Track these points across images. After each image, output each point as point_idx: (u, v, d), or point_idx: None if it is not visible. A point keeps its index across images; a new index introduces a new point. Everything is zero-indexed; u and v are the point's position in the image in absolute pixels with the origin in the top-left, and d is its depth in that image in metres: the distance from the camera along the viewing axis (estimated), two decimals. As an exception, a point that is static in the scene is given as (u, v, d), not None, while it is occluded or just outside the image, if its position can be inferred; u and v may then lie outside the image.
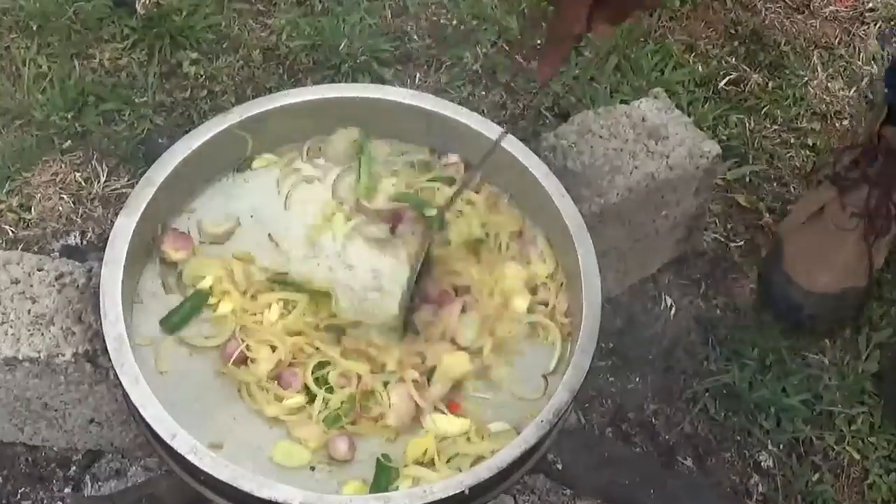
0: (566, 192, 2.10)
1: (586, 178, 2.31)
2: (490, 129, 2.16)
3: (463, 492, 1.77)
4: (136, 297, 2.06)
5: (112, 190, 2.78)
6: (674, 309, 2.74)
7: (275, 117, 2.18)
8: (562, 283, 2.13)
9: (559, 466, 2.26)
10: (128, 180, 2.80)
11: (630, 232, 2.49)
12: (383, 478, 1.88)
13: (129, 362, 1.84)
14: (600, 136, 2.40)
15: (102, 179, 2.80)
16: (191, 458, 1.76)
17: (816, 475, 2.51)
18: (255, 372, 1.98)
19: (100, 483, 2.43)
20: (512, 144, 2.14)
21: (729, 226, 2.90)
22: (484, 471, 1.80)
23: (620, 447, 2.42)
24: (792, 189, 2.99)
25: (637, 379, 2.63)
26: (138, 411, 1.81)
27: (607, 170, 2.34)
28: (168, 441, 1.77)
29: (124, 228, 1.98)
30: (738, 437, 2.55)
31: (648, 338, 2.67)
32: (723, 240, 2.87)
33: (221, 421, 1.99)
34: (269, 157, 2.26)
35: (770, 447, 2.54)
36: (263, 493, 1.75)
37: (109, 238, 1.98)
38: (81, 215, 2.74)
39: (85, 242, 2.71)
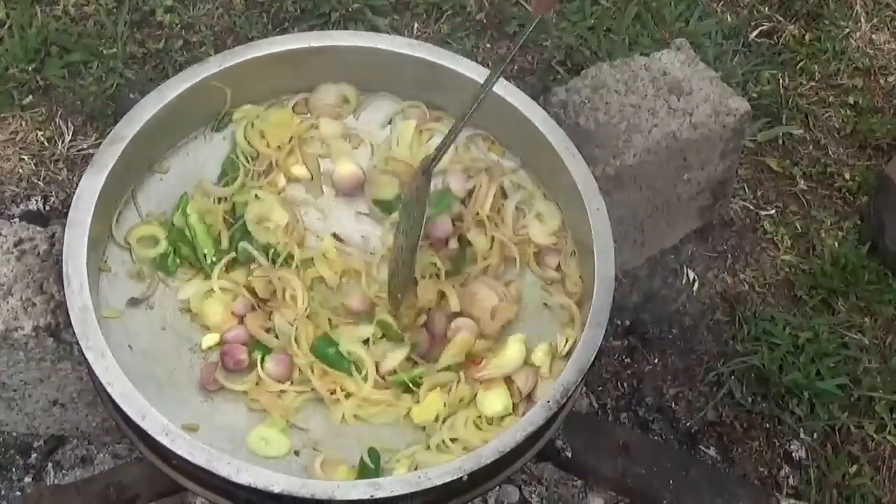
0: (576, 150, 2.09)
1: (600, 137, 2.32)
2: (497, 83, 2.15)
3: (461, 478, 1.78)
4: (104, 264, 2.06)
5: (78, 151, 2.78)
6: (697, 283, 2.75)
7: (257, 68, 2.18)
8: (573, 252, 2.13)
9: (568, 454, 2.27)
10: (95, 140, 2.80)
11: (649, 198, 2.49)
12: (369, 476, 1.89)
13: (96, 335, 1.85)
14: (616, 92, 2.40)
15: (67, 139, 2.80)
16: (162, 440, 1.78)
17: (854, 467, 2.52)
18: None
19: (64, 471, 2.45)
20: (516, 98, 2.13)
21: (759, 192, 2.90)
22: (484, 455, 1.80)
23: (637, 434, 2.43)
24: (830, 153, 2.98)
25: (656, 360, 2.64)
26: (105, 389, 1.82)
27: (623, 128, 2.34)
28: (138, 422, 1.78)
29: (90, 188, 1.99)
30: (767, 425, 2.55)
31: (669, 315, 2.68)
32: (752, 208, 2.88)
33: (197, 402, 2.01)
34: (250, 107, 2.25)
35: (802, 436, 2.55)
36: (242, 479, 1.76)
37: (74, 198, 1.99)
38: (44, 178, 2.74)
39: (48, 208, 2.71)
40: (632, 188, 2.37)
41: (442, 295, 2.11)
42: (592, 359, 1.89)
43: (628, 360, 2.61)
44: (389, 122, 2.29)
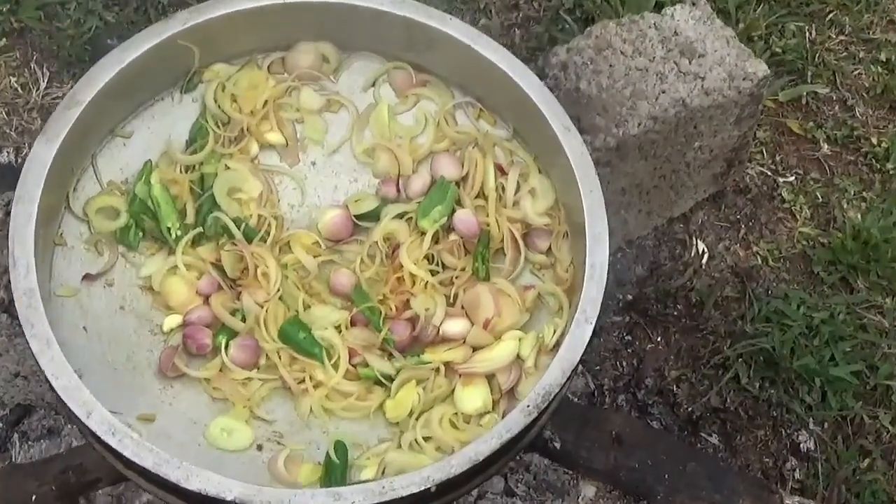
0: (571, 124, 1.93)
1: (602, 103, 2.17)
2: (485, 46, 2.00)
3: (429, 489, 1.66)
4: (59, 237, 1.95)
5: (54, 99, 2.68)
6: (706, 256, 2.62)
7: (227, 26, 2.05)
8: (565, 234, 1.99)
9: (557, 445, 2.15)
10: (73, 87, 2.65)
11: (655, 167, 2.35)
12: (333, 476, 1.78)
13: (41, 322, 1.73)
14: (622, 53, 2.25)
15: (42, 86, 2.69)
16: (109, 440, 1.67)
17: (866, 461, 2.40)
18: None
19: (30, 442, 2.36)
20: (508, 63, 1.99)
21: (778, 157, 2.74)
22: (455, 464, 1.69)
23: (632, 423, 2.30)
24: (857, 114, 2.80)
25: (658, 338, 2.52)
26: (48, 381, 1.69)
27: (628, 94, 2.19)
28: (83, 419, 1.67)
29: (40, 159, 1.87)
30: (775, 413, 2.43)
31: (675, 290, 2.55)
32: (770, 174, 2.73)
33: (155, 389, 1.92)
34: (221, 67, 2.10)
35: (812, 426, 2.43)
36: (192, 484, 1.66)
37: (23, 170, 1.86)
38: (16, 128, 2.64)
39: (20, 160, 2.58)
40: (636, 158, 2.23)
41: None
42: (578, 359, 1.76)
43: (629, 337, 2.49)
44: (372, 85, 2.13)
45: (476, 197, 2.06)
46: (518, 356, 1.95)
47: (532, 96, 2.00)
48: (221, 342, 1.93)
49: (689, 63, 2.24)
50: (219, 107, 2.08)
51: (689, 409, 2.40)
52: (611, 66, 2.23)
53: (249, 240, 2.00)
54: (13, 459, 2.29)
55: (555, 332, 1.94)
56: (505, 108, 2.09)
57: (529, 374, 1.91)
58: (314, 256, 2.03)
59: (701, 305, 2.48)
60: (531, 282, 2.02)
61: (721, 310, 2.50)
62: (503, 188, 2.05)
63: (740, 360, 2.42)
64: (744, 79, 2.28)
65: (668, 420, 2.40)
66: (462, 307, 1.99)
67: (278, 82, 2.12)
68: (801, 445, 2.39)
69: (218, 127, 2.08)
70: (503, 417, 1.87)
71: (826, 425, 2.39)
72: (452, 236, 2.02)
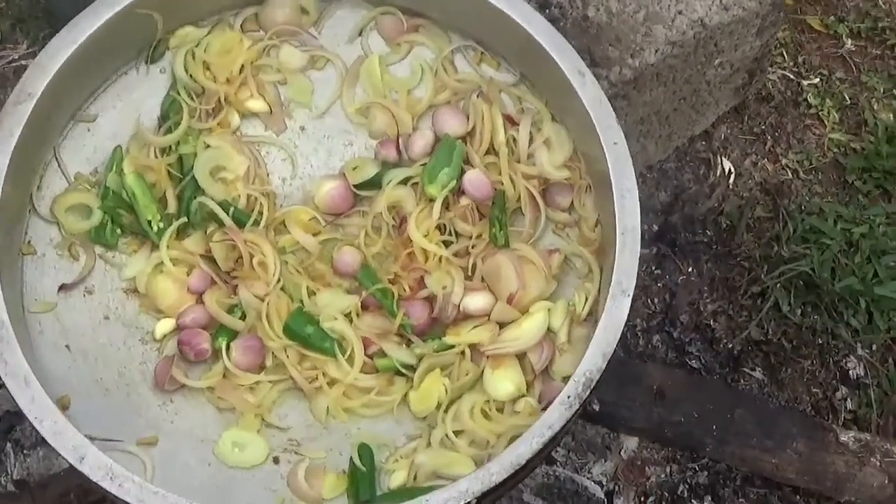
0: (585, 67, 1.69)
1: (614, 31, 1.93)
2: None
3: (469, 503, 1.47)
4: (27, 245, 1.73)
5: (8, 63, 2.38)
6: (733, 174, 2.38)
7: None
8: (587, 187, 1.76)
9: (596, 407, 1.96)
10: (28, 48, 2.42)
11: (674, 91, 2.12)
12: (361, 486, 1.58)
13: (14, 355, 1.53)
14: (631, -28, 1.98)
15: (-7, 50, 2.40)
16: (107, 485, 1.47)
17: (921, 383, 2.20)
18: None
19: (25, 451, 2.17)
20: (507, 1, 1.73)
21: (800, 58, 2.51)
22: (495, 472, 1.51)
23: (673, 374, 2.10)
24: (880, 3, 2.55)
25: (690, 268, 2.31)
26: (32, 423, 1.49)
27: (642, 18, 1.95)
28: (76, 465, 1.47)
29: (-5, 163, 1.62)
30: (820, 340, 2.24)
31: (703, 214, 2.33)
32: (793, 77, 2.49)
33: (154, 407, 1.74)
34: (189, 30, 1.85)
35: (860, 350, 2.25)
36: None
37: (-25, 177, 1.63)
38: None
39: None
40: (654, 86, 2.00)
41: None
42: (618, 338, 1.53)
43: (658, 270, 2.28)
44: (359, 35, 1.88)
45: (486, 153, 1.82)
46: (549, 329, 1.72)
47: (538, 38, 1.76)
48: (222, 345, 1.73)
49: (706, -24, 1.98)
50: (190, 76, 1.84)
51: (730, 344, 2.19)
52: (620, -14, 1.97)
53: (241, 225, 1.78)
54: (8, 473, 2.09)
55: (586, 299, 1.75)
56: (509, 51, 1.87)
57: (564, 350, 1.71)
58: (314, 234, 1.79)
59: (732, 229, 2.27)
60: (554, 243, 1.81)
61: (754, 232, 2.28)
62: (514, 141, 1.83)
63: (779, 286, 2.20)
64: (766, -14, 2.01)
65: (707, 358, 2.20)
66: (482, 279, 1.76)
67: (254, 42, 1.87)
68: (851, 372, 2.21)
69: (192, 99, 1.85)
70: (539, 401, 1.68)
71: (875, 348, 2.21)
72: (464, 200, 1.80)
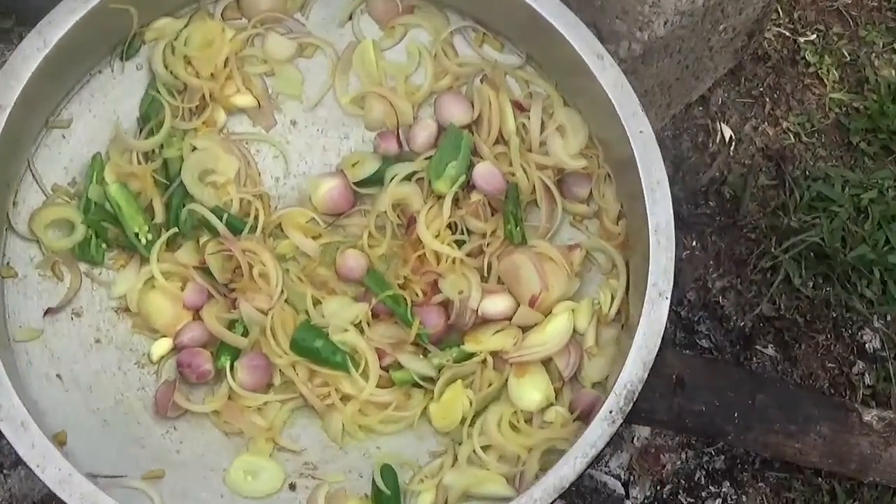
0: (603, 50, 1.59)
1: (620, 3, 1.83)
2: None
3: (511, 535, 1.39)
4: (6, 268, 1.62)
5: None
6: (734, 140, 2.28)
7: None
8: (607, 176, 1.65)
9: (614, 401, 1.86)
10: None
11: (679, 62, 2.02)
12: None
13: (7, 397, 1.39)
14: (635, -64, 1.87)
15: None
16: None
17: (940, 353, 2.15)
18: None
19: (5, 471, 2.04)
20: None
21: (796, 14, 2.42)
22: (538, 498, 1.44)
23: (690, 361, 2.02)
24: (875, -48, 2.46)
25: (694, 242, 2.22)
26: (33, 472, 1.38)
27: (649, -13, 1.82)
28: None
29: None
30: (834, 313, 2.18)
31: (704, 185, 2.24)
32: (789, 34, 2.39)
33: (157, 436, 1.63)
34: (166, 22, 1.71)
35: (875, 322, 2.19)
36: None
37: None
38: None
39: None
40: (661, 58, 1.89)
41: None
42: (659, 344, 1.44)
43: (661, 246, 2.15)
44: (349, 19, 1.75)
45: (495, 143, 1.70)
46: (574, 331, 1.62)
47: (547, 17, 1.64)
48: (225, 364, 1.63)
49: (713, -62, 1.87)
50: (171, 73, 1.70)
51: (741, 322, 2.11)
52: (623, -46, 1.86)
53: (235, 232, 1.65)
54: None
55: (612, 297, 1.66)
56: (512, 30, 1.76)
57: (592, 354, 1.63)
58: (313, 238, 1.67)
59: (736, 200, 2.19)
60: (573, 237, 1.71)
61: (759, 201, 2.20)
62: (525, 128, 1.71)
63: (789, 258, 2.11)
64: (773, -52, 1.91)
65: (717, 337, 2.13)
66: (499, 279, 1.66)
67: (237, 31, 1.75)
68: (867, 345, 2.15)
69: (173, 97, 1.71)
70: (570, 410, 1.59)
71: (890, 319, 2.15)
72: (474, 195, 1.69)
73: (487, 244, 1.70)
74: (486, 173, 1.70)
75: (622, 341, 1.61)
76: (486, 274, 1.69)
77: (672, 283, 1.53)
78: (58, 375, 1.62)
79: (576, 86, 1.70)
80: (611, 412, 1.46)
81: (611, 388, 1.51)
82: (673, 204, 1.99)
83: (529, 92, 1.76)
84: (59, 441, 1.54)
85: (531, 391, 1.63)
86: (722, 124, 2.30)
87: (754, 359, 2.15)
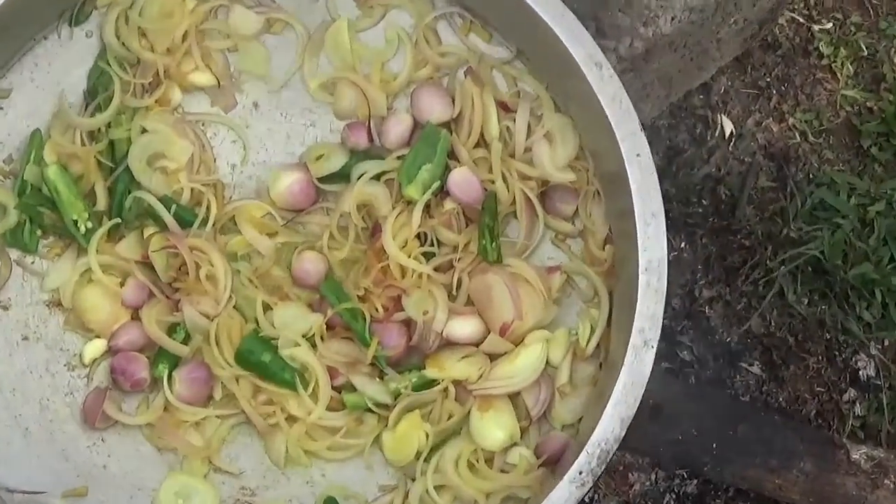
0: (602, 56, 1.45)
1: (625, -5, 1.67)
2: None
3: None
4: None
5: None
6: (734, 136, 2.14)
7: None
8: (595, 193, 1.52)
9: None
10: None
11: (682, 56, 1.87)
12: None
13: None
14: (645, -80, 1.73)
15: None
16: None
17: (940, 389, 2.05)
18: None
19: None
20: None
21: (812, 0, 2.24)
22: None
23: (670, 384, 1.91)
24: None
25: (682, 244, 2.10)
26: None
27: (657, -22, 1.68)
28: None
29: None
30: (828, 335, 2.07)
31: (698, 182, 2.11)
32: (803, 21, 2.24)
33: (82, 448, 1.55)
34: (118, -18, 1.59)
35: (872, 349, 2.08)
36: None
37: None
38: None
39: None
40: (664, 55, 1.74)
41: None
42: (640, 399, 1.33)
43: (647, 245, 2.03)
44: (324, -8, 1.61)
45: (475, 146, 1.57)
46: (547, 363, 1.50)
47: (543, 16, 1.50)
48: (163, 373, 1.51)
49: (732, -74, 1.73)
50: (123, 45, 1.55)
51: (727, 336, 2.00)
52: (632, -62, 1.71)
53: (184, 225, 1.52)
54: None
55: (592, 330, 1.53)
56: (502, 21, 1.61)
57: (565, 392, 1.53)
58: (269, 235, 1.54)
59: (732, 201, 2.07)
60: (554, 257, 1.59)
61: (756, 204, 2.08)
62: (509, 132, 1.58)
63: (784, 269, 1.99)
64: (796, -61, 1.76)
65: (700, 350, 2.03)
66: (468, 299, 1.53)
67: (199, 2, 1.58)
68: (861, 372, 2.06)
69: (125, 71, 1.56)
70: (536, 453, 1.48)
71: (888, 345, 2.00)
72: (448, 204, 1.57)
73: (458, 259, 1.57)
74: (462, 181, 1.57)
75: (600, 382, 1.50)
76: (454, 291, 1.56)
77: (660, 330, 1.40)
78: (-19, 377, 1.49)
79: (569, 89, 1.57)
80: (580, 473, 1.36)
81: (584, 437, 1.40)
82: (663, 200, 1.86)
83: (517, 91, 1.63)
84: (-27, 451, 1.43)
85: (494, 429, 1.52)
86: (723, 116, 2.16)
87: (738, 377, 2.05)
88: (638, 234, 1.45)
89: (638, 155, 1.48)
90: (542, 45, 1.57)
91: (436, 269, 1.58)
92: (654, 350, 1.41)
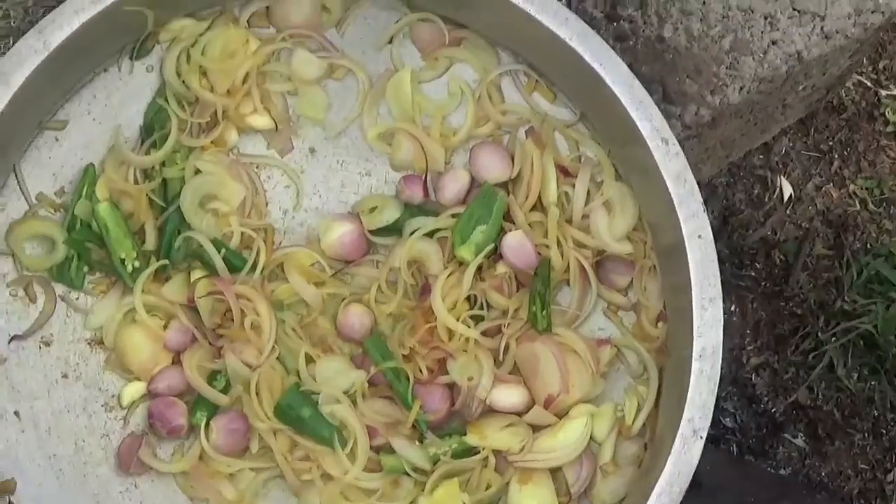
0: (669, 132, 1.41)
1: (693, 60, 1.65)
2: (545, 8, 1.45)
3: None
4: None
5: None
6: (793, 200, 2.10)
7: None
8: (652, 267, 1.49)
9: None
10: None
11: (748, 121, 1.84)
12: None
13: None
14: (720, -15, 1.69)
15: None
16: None
17: None
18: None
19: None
20: (569, 28, 1.48)
21: (881, 64, 2.24)
22: None
23: (712, 455, 1.86)
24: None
25: (733, 307, 2.06)
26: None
27: (728, 45, 1.67)
28: None
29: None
30: (876, 412, 2.04)
31: (753, 245, 2.07)
32: (870, 85, 2.19)
33: (115, 493, 1.55)
34: (185, 24, 1.54)
35: (923, 428, 2.02)
36: None
37: None
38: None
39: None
40: (730, 122, 1.70)
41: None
42: (685, 490, 1.29)
43: (696, 307, 1.99)
44: (390, 42, 1.58)
45: (531, 209, 1.53)
46: (592, 439, 1.47)
47: (612, 85, 1.49)
48: (200, 421, 1.49)
49: (808, -2, 1.69)
50: (183, 83, 1.53)
51: (772, 406, 1.96)
52: (704, 3, 1.70)
53: (233, 270, 1.50)
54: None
55: (639, 407, 1.49)
56: (568, 83, 1.58)
57: (607, 471, 1.50)
58: (316, 284, 1.52)
59: (786, 266, 2.02)
60: (605, 328, 1.55)
61: (810, 272, 2.04)
62: (568, 198, 1.55)
63: (836, 342, 1.96)
64: (872, 11, 1.73)
65: (744, 417, 1.98)
66: (514, 364, 1.51)
67: (262, 43, 1.57)
68: (909, 453, 1.98)
69: (182, 109, 1.53)
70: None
71: (937, 426, 1.96)
72: (500, 267, 1.53)
73: (507, 324, 1.54)
74: (516, 245, 1.54)
75: (644, 463, 1.47)
76: (500, 357, 1.53)
77: (710, 420, 1.37)
78: (15, 412, 1.50)
79: (631, 158, 1.54)
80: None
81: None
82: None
83: (579, 155, 1.60)
84: (6, 489, 1.44)
85: (533, 503, 1.48)
86: (782, 178, 2.12)
87: (781, 448, 2.01)
88: (694, 319, 1.42)
89: (699, 236, 1.44)
90: (608, 112, 1.54)
91: (483, 333, 1.55)
92: (704, 440, 1.38)
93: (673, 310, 1.52)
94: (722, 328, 1.42)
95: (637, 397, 1.53)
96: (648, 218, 1.56)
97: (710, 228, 1.45)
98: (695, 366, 1.40)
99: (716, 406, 1.95)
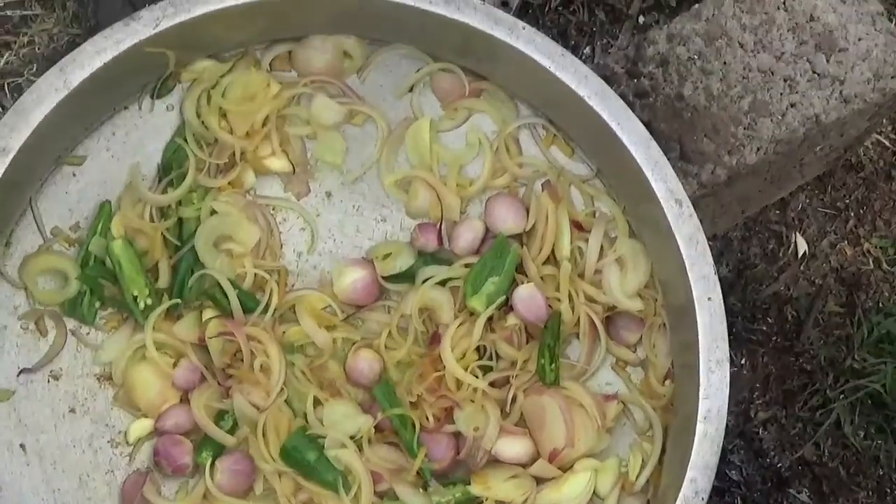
0: (683, 193, 1.42)
1: (712, 119, 1.65)
2: (567, 67, 1.46)
3: None
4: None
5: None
6: (807, 255, 2.10)
7: (212, 23, 1.48)
8: (661, 325, 1.49)
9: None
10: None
11: (764, 179, 1.84)
12: None
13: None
14: (740, 45, 1.71)
15: None
16: None
17: None
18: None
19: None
20: (588, 86, 1.50)
21: (901, 123, 2.21)
22: None
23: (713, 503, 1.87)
24: None
25: (743, 360, 2.06)
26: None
27: (747, 106, 1.67)
28: None
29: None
30: (881, 471, 2.03)
31: (766, 300, 2.07)
32: (889, 145, 2.19)
33: None
34: (207, 65, 1.55)
35: (928, 491, 2.01)
36: None
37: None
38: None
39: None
40: (746, 181, 1.71)
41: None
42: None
43: (706, 359, 1.99)
44: (410, 91, 1.58)
45: (544, 262, 1.53)
46: (595, 494, 1.47)
47: (628, 144, 1.47)
48: (206, 461, 1.48)
49: (827, 61, 1.70)
50: (202, 123, 1.53)
51: (778, 460, 1.96)
52: (725, 63, 1.69)
53: (245, 311, 1.49)
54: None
55: (643, 464, 1.49)
56: (585, 139, 1.56)
57: (609, 527, 1.46)
58: (327, 328, 1.52)
59: (798, 322, 2.02)
60: (612, 383, 1.55)
61: (822, 329, 2.04)
62: (581, 253, 1.54)
63: (844, 399, 1.95)
64: (892, 77, 1.73)
65: (749, 471, 1.97)
66: (521, 416, 1.51)
67: (283, 87, 1.57)
68: (912, 512, 1.97)
69: (201, 149, 1.54)
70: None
71: (943, 488, 1.96)
72: (511, 319, 1.54)
73: (516, 376, 1.54)
74: (528, 298, 1.55)
75: (645, 524, 1.47)
76: (507, 408, 1.53)
77: (713, 481, 1.37)
78: (21, 445, 1.50)
79: (645, 216, 1.55)
80: None
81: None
82: (727, 314, 1.83)
83: (593, 211, 1.59)
84: (8, 522, 1.42)
85: (532, 555, 1.49)
86: (797, 234, 2.12)
87: (785, 502, 2.00)
88: (701, 381, 1.42)
89: (709, 299, 1.44)
90: (624, 170, 1.54)
91: (491, 384, 1.55)
92: (706, 501, 1.37)
93: (681, 367, 1.52)
94: (728, 391, 1.42)
95: (642, 453, 1.53)
96: (660, 275, 1.56)
97: (720, 291, 1.45)
98: (699, 427, 1.40)
99: (722, 458, 1.95)
